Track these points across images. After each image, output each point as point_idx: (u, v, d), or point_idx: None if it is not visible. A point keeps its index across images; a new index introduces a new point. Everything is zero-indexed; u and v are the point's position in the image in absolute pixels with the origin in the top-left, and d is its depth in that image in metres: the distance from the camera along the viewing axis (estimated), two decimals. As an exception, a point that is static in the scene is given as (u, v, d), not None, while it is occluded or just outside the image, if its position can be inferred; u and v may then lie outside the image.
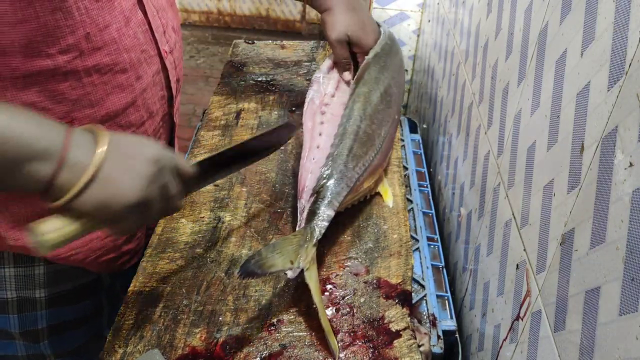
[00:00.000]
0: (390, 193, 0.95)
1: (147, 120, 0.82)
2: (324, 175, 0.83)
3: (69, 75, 0.68)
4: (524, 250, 0.76)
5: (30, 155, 0.54)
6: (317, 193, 0.82)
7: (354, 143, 0.87)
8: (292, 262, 0.73)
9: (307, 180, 0.85)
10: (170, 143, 0.95)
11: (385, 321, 0.75)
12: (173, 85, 0.87)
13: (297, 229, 0.80)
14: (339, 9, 0.94)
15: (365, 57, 0.96)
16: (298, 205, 0.84)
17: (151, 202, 0.60)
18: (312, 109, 0.95)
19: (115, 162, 0.57)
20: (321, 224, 0.78)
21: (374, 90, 0.94)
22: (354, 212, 0.90)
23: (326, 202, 0.80)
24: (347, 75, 0.99)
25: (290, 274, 0.74)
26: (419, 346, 0.74)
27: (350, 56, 1.00)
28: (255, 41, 1.38)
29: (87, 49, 0.68)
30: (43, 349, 0.86)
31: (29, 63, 0.65)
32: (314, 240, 0.76)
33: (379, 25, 1.04)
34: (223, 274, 0.80)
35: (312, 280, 0.74)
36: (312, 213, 0.80)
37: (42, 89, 0.67)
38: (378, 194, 0.95)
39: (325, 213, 0.80)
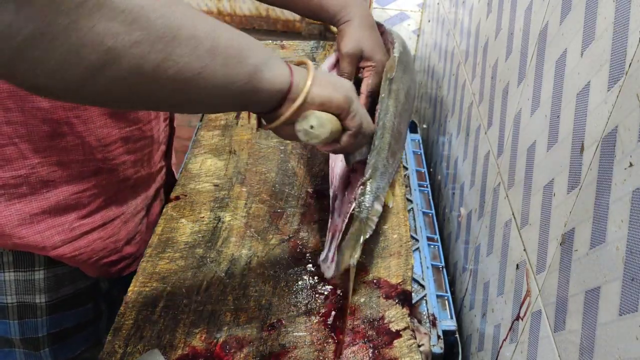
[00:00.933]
0: (391, 194, 0.95)
1: (154, 120, 0.84)
2: (372, 167, 0.83)
3: None
4: (524, 250, 0.76)
5: (270, 62, 0.58)
6: (364, 185, 0.81)
7: (392, 139, 0.87)
8: (350, 257, 0.75)
9: (337, 169, 0.89)
10: (168, 149, 0.95)
11: (385, 321, 0.75)
12: None
13: (331, 216, 0.82)
14: (358, 22, 0.94)
15: (392, 54, 0.96)
16: (330, 192, 0.87)
17: (357, 105, 0.70)
18: None
19: (322, 76, 0.65)
20: (372, 219, 0.80)
21: (402, 89, 0.94)
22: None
23: (373, 197, 0.81)
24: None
25: (329, 273, 0.76)
26: (419, 346, 0.74)
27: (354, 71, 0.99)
28: (255, 41, 1.38)
29: None
30: (44, 356, 0.86)
31: None
32: (366, 237, 0.78)
33: (389, 33, 1.04)
34: (223, 274, 0.80)
35: (352, 279, 0.75)
36: (362, 206, 0.80)
37: None
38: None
39: (374, 208, 0.80)
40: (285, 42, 1.37)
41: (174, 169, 0.99)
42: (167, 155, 0.96)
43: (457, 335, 0.91)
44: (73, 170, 0.77)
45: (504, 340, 0.81)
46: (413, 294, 0.83)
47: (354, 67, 0.94)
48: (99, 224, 0.83)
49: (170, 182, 0.99)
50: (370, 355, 0.71)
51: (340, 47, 0.94)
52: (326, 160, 1.00)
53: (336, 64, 1.01)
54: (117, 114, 0.76)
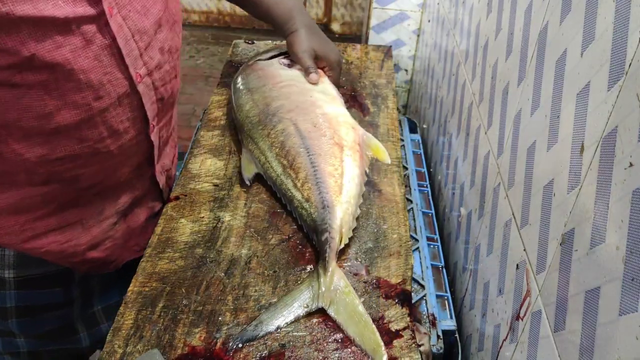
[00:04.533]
0: (383, 149, 0.96)
1: (109, 138, 0.80)
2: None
3: (13, 88, 0.68)
4: (524, 250, 0.76)
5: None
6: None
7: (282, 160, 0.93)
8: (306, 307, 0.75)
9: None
10: (150, 161, 0.92)
11: (385, 321, 0.75)
12: (150, 106, 0.84)
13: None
14: (303, 31, 1.10)
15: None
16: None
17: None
18: None
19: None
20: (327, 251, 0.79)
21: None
22: (353, 212, 0.90)
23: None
24: (315, 77, 1.08)
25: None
26: (419, 346, 0.74)
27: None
28: (255, 41, 1.38)
29: (30, 66, 0.68)
30: (11, 326, 0.90)
31: None
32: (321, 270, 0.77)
33: None
34: (223, 274, 0.80)
35: (339, 314, 0.74)
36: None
37: None
38: (379, 192, 0.95)
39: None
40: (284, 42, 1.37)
41: (160, 177, 0.97)
42: (148, 165, 0.93)
43: (456, 335, 0.91)
44: (20, 178, 0.77)
45: (504, 340, 0.81)
46: (413, 293, 0.83)
47: (312, 60, 1.10)
48: (53, 227, 0.83)
49: (156, 190, 0.98)
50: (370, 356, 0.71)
51: (295, 51, 1.10)
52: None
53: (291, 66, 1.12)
54: (60, 134, 0.75)
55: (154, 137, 0.88)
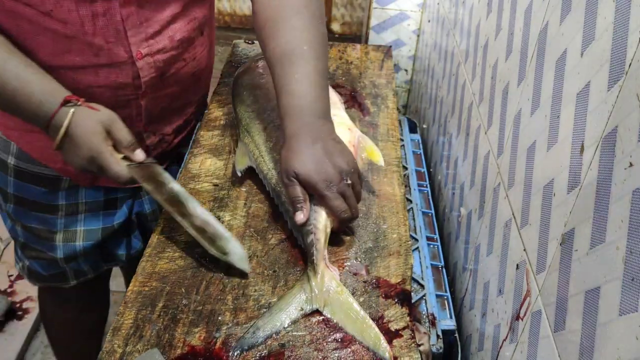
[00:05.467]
0: (377, 151, 0.93)
1: (102, 88, 0.91)
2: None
3: (32, 24, 0.83)
4: (524, 250, 0.76)
5: (32, 112, 0.83)
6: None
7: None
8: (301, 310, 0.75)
9: None
10: (139, 119, 1.00)
11: (385, 321, 0.75)
12: (147, 79, 0.94)
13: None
14: (294, 141, 0.80)
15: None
16: None
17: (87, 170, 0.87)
18: None
19: (68, 146, 0.84)
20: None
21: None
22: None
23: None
24: (300, 215, 0.79)
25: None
26: (419, 346, 0.74)
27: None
28: (255, 41, 1.38)
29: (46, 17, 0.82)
30: (9, 209, 1.07)
31: None
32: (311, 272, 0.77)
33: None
34: (222, 274, 0.80)
35: (335, 314, 0.74)
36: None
37: None
38: (379, 192, 0.95)
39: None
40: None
41: (149, 135, 1.04)
42: (138, 121, 1.01)
43: (456, 335, 0.91)
44: None
45: (504, 340, 0.81)
46: (412, 293, 0.83)
47: (296, 190, 0.81)
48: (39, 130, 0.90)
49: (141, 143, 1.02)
50: (370, 355, 0.71)
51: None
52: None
53: None
54: (64, 69, 0.88)
55: (144, 102, 0.97)
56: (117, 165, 0.84)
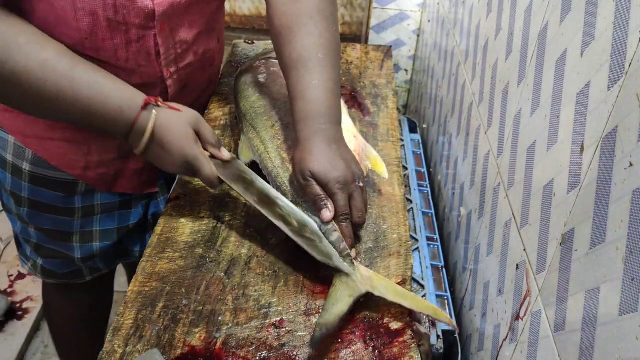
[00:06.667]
0: (381, 163, 0.94)
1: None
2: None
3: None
4: (524, 250, 0.76)
5: (110, 119, 0.79)
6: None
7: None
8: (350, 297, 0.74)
9: None
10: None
11: (385, 321, 0.75)
12: (173, 93, 0.96)
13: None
14: (309, 144, 0.81)
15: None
16: None
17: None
18: None
19: (155, 148, 0.82)
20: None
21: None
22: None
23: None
24: (327, 212, 0.79)
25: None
26: (419, 346, 0.74)
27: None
28: (255, 41, 1.38)
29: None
30: (22, 213, 1.04)
31: None
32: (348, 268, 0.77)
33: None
34: (222, 274, 0.80)
35: (388, 293, 0.75)
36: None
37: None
38: (379, 192, 0.95)
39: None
40: (285, 42, 1.37)
41: None
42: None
43: (456, 335, 0.91)
44: None
45: (504, 340, 0.81)
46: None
47: (315, 188, 0.81)
48: (62, 138, 0.92)
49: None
50: (370, 355, 0.71)
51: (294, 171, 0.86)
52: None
53: None
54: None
55: (174, 85, 0.98)
56: (210, 167, 0.82)
